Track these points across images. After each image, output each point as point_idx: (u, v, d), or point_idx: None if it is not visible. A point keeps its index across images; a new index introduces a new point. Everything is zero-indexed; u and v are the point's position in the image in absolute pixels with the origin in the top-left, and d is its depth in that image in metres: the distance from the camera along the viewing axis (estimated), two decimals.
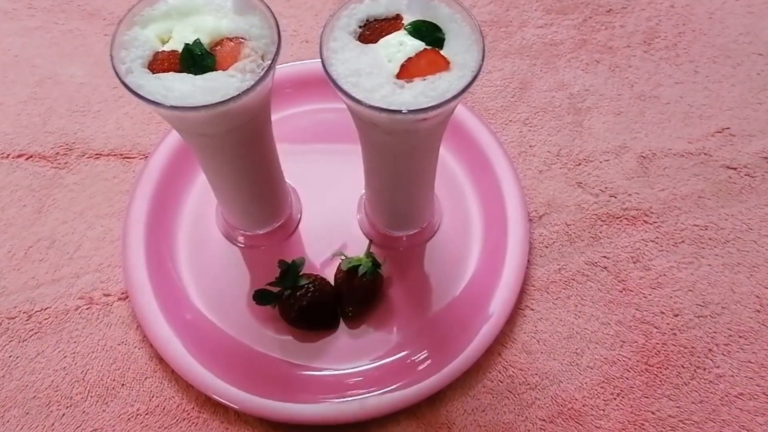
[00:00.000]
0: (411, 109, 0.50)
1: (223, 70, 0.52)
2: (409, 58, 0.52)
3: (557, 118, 0.86)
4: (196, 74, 0.52)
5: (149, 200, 0.78)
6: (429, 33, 0.54)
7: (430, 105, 0.50)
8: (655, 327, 0.73)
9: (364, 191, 0.77)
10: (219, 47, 0.53)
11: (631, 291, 0.75)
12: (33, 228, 0.78)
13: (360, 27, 0.55)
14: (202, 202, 0.79)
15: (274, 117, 0.81)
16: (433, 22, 0.54)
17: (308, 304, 0.68)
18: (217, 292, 0.74)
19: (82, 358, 0.71)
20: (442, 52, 0.53)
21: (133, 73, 0.52)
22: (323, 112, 0.85)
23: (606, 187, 0.81)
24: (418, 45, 0.53)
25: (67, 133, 0.84)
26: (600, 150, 0.84)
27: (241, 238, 0.76)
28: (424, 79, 0.52)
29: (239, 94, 0.50)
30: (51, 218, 0.79)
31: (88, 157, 0.83)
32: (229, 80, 0.51)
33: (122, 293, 0.74)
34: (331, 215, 0.79)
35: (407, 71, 0.52)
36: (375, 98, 0.51)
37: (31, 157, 0.82)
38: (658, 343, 0.72)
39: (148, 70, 0.52)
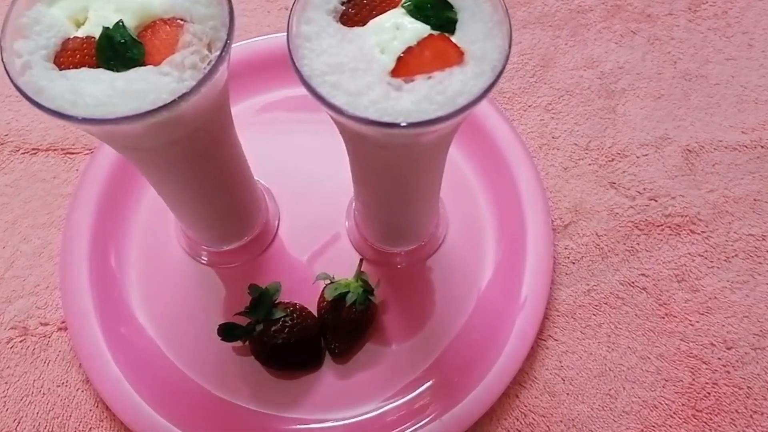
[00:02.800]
0: (411, 122, 0.36)
1: (155, 64, 0.38)
2: (409, 48, 0.39)
3: (586, 102, 0.72)
4: (117, 70, 0.38)
5: (95, 206, 0.65)
6: (436, 12, 0.40)
7: (436, 115, 0.37)
8: (704, 362, 0.61)
9: (353, 195, 0.64)
10: (149, 32, 0.39)
11: (675, 317, 0.62)
12: None
13: (343, 3, 0.40)
14: (159, 208, 0.65)
15: (241, 104, 0.68)
16: None
17: (284, 342, 0.56)
18: (176, 323, 0.62)
19: (15, 404, 0.59)
20: (453, 38, 0.39)
21: (32, 70, 0.38)
22: (302, 98, 0.70)
23: (644, 188, 0.68)
24: (421, 29, 0.39)
25: None
26: (637, 142, 0.70)
27: (205, 255, 0.63)
28: (429, 77, 0.38)
29: (175, 100, 0.36)
30: None
31: (23, 153, 0.69)
32: (162, 80, 0.37)
33: (62, 322, 0.62)
34: (313, 223, 0.66)
35: (406, 66, 0.38)
36: (362, 104, 0.37)
37: None
38: (707, 383, 0.60)
39: (54, 66, 0.38)
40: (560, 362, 0.61)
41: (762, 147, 0.70)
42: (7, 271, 0.64)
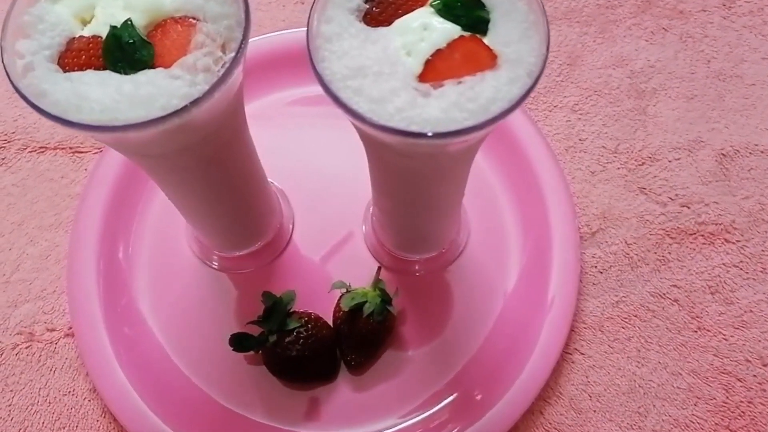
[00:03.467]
0: (439, 132, 0.34)
1: (165, 67, 0.35)
2: (438, 51, 0.36)
3: (615, 103, 0.69)
4: (125, 73, 0.35)
5: (104, 208, 0.62)
6: (467, 11, 0.37)
7: (467, 125, 0.34)
8: (739, 379, 0.58)
9: (370, 200, 0.61)
10: (159, 32, 0.36)
11: (709, 331, 0.59)
12: None
13: (366, 1, 0.38)
14: (170, 211, 0.62)
15: (255, 101, 0.65)
16: None
17: (299, 355, 0.53)
18: (186, 330, 0.59)
19: (20, 412, 0.57)
20: (485, 40, 0.36)
21: (35, 72, 0.35)
22: (318, 96, 0.68)
23: (676, 195, 0.65)
24: (451, 30, 0.36)
25: (5, 121, 0.68)
26: (669, 145, 0.67)
27: (217, 260, 0.61)
28: (460, 82, 0.35)
29: (187, 106, 0.34)
30: None
31: (30, 152, 0.67)
32: (173, 84, 0.35)
33: (70, 328, 0.60)
34: (329, 226, 0.64)
35: (435, 70, 0.35)
36: (386, 112, 0.34)
37: None
38: (742, 401, 0.57)
39: (58, 67, 0.36)
40: (587, 377, 0.58)
41: None
42: (14, 274, 0.62)
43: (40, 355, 0.59)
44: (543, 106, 0.69)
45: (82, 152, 0.67)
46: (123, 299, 0.60)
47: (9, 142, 0.67)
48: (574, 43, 0.72)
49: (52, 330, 0.60)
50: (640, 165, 0.66)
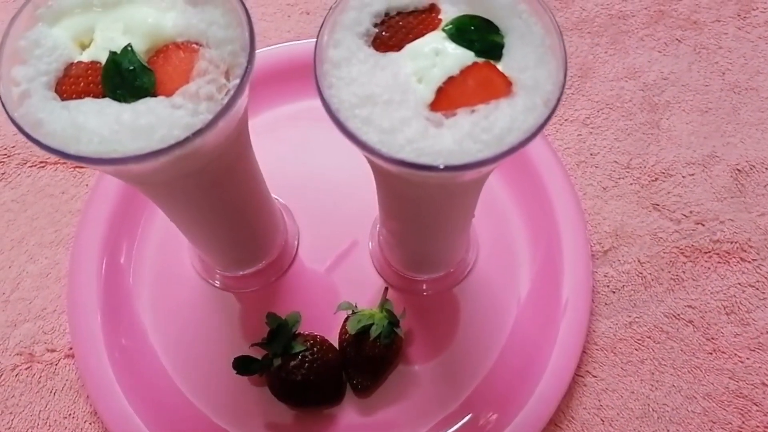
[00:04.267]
0: (452, 165, 0.32)
1: (167, 94, 0.34)
2: (451, 78, 0.34)
3: (627, 116, 0.67)
4: (124, 100, 0.34)
5: (105, 225, 0.61)
6: (480, 36, 0.35)
7: (482, 157, 0.32)
8: (755, 403, 0.56)
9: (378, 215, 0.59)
10: (161, 58, 0.35)
11: (724, 353, 0.58)
12: None
13: (375, 25, 0.36)
14: (172, 228, 0.61)
15: (258, 115, 0.64)
16: (486, 17, 0.35)
17: (304, 379, 0.52)
18: (188, 351, 0.58)
19: None
20: (499, 65, 0.35)
21: (31, 100, 0.34)
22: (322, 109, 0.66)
23: (690, 211, 0.63)
24: (463, 56, 0.35)
25: (5, 135, 0.67)
26: (683, 161, 0.65)
27: (221, 279, 0.60)
28: (473, 111, 0.34)
29: (189, 137, 0.32)
30: None
31: (30, 166, 0.65)
32: (174, 113, 0.33)
33: (70, 348, 0.58)
34: (334, 243, 0.62)
35: (447, 98, 0.34)
36: (397, 143, 0.33)
37: None
38: (758, 426, 0.56)
39: (55, 95, 0.34)
40: (599, 401, 0.57)
41: None
42: (13, 293, 0.61)
43: (40, 377, 0.58)
44: (553, 119, 0.67)
45: (83, 167, 0.65)
46: (124, 319, 0.59)
47: (9, 156, 0.66)
48: (585, 54, 0.71)
49: (53, 351, 0.59)
50: (653, 181, 0.65)
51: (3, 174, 0.65)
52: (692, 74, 0.69)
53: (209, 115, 0.33)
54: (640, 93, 0.68)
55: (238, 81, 0.34)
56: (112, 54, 0.34)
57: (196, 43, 0.35)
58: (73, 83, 0.34)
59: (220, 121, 0.33)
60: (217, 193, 0.44)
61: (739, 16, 0.72)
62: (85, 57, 0.35)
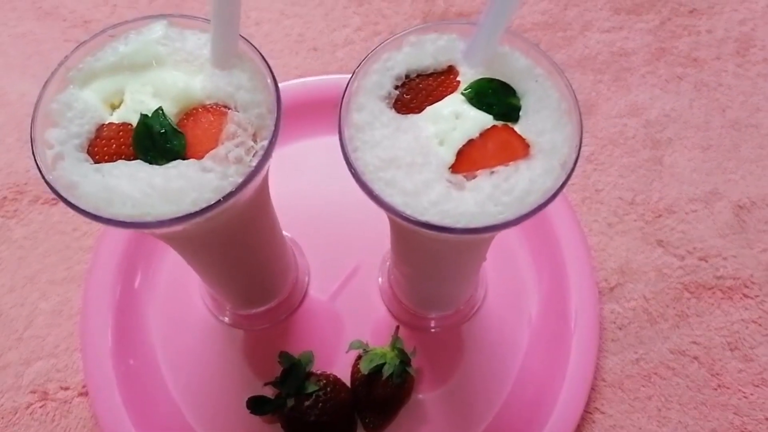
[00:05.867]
0: (471, 227, 0.33)
1: (197, 157, 0.35)
2: (471, 141, 0.35)
3: (630, 153, 0.69)
4: (156, 162, 0.35)
5: (117, 261, 0.62)
6: (498, 99, 0.36)
7: (502, 219, 0.33)
8: None
9: (389, 249, 0.60)
10: (191, 121, 0.36)
11: (728, 389, 0.59)
12: None
13: (396, 87, 0.37)
14: (183, 265, 0.62)
15: None
16: (503, 81, 0.37)
17: (317, 420, 0.53)
18: (201, 388, 0.59)
19: None
20: (517, 127, 0.36)
21: (64, 162, 0.35)
22: (333, 146, 0.68)
23: (694, 248, 0.64)
24: (483, 119, 0.36)
25: (16, 172, 0.67)
26: (685, 197, 0.67)
27: (233, 317, 0.60)
28: (493, 172, 0.35)
29: (220, 200, 0.33)
30: None
31: (42, 203, 0.66)
32: (204, 177, 0.34)
33: (83, 386, 0.59)
34: (345, 279, 0.63)
35: (468, 160, 0.35)
36: (421, 206, 0.34)
37: None
38: None
39: (88, 156, 0.35)
40: None
41: None
42: (26, 331, 0.61)
43: (54, 415, 0.58)
44: None
45: None
46: (137, 357, 0.59)
47: (21, 193, 0.66)
48: (589, 91, 0.72)
49: (66, 389, 0.59)
50: (657, 217, 0.66)
51: (15, 211, 0.66)
52: (693, 111, 0.71)
53: (239, 178, 0.34)
54: (642, 130, 0.70)
55: (266, 143, 0.35)
56: (144, 117, 0.35)
57: (225, 106, 0.36)
58: (105, 145, 0.35)
59: (249, 184, 0.34)
60: (236, 242, 0.45)
61: (738, 53, 0.74)
62: (116, 118, 0.36)
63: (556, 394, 0.57)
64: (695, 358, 0.60)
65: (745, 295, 0.62)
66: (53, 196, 0.65)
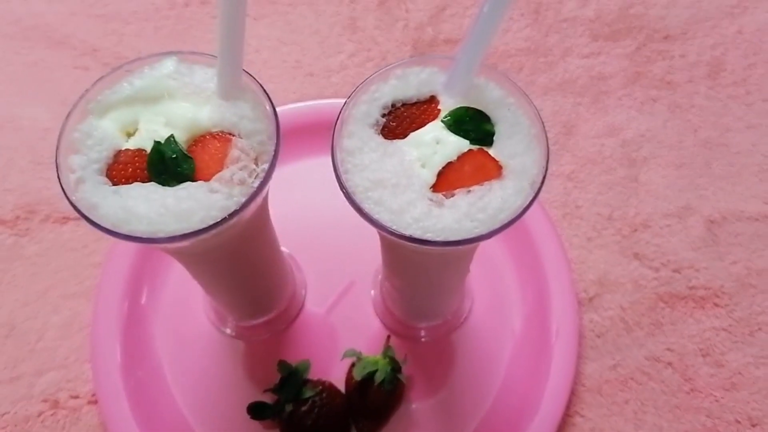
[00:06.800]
0: (451, 240, 0.37)
1: (205, 180, 0.39)
2: (449, 164, 0.40)
3: (608, 171, 0.73)
4: (168, 184, 0.39)
5: (125, 277, 0.65)
6: (475, 126, 0.41)
7: (477, 233, 0.37)
8: None
9: (380, 263, 0.64)
10: (199, 147, 0.40)
11: (701, 393, 0.63)
12: None
13: (384, 115, 0.41)
14: (187, 280, 0.65)
15: None
16: (479, 109, 0.41)
17: (314, 424, 0.56)
18: (205, 396, 0.62)
19: None
20: (491, 151, 0.40)
21: (86, 185, 0.39)
22: (328, 166, 0.72)
23: (668, 260, 0.68)
24: (460, 144, 0.40)
25: (28, 192, 0.71)
26: (660, 212, 0.71)
27: (234, 328, 0.64)
28: (469, 192, 0.39)
29: (225, 218, 0.37)
30: (8, 299, 0.66)
31: (53, 222, 0.70)
32: (211, 197, 0.38)
33: (93, 395, 0.62)
34: (339, 292, 0.67)
35: (447, 181, 0.39)
36: (405, 222, 0.38)
37: None
38: None
39: (107, 179, 0.39)
40: None
41: None
42: (38, 343, 0.65)
43: (64, 423, 0.62)
44: None
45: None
46: (144, 367, 0.63)
47: (33, 212, 0.70)
48: (569, 113, 0.76)
49: (76, 397, 0.63)
50: (633, 231, 0.70)
51: (27, 230, 0.70)
52: (667, 131, 0.75)
53: (242, 198, 0.38)
54: (619, 149, 0.74)
55: (266, 166, 0.39)
56: (157, 143, 0.39)
57: (230, 133, 0.40)
58: (122, 169, 0.39)
59: (252, 203, 0.38)
60: (238, 257, 0.49)
61: (709, 77, 0.79)
62: (131, 145, 0.40)
63: (539, 399, 0.61)
64: (669, 363, 0.64)
65: (716, 305, 0.66)
66: (63, 215, 0.70)
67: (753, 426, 0.62)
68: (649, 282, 0.68)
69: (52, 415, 0.62)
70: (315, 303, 0.66)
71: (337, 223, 0.68)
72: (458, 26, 0.81)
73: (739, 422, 0.62)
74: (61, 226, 0.70)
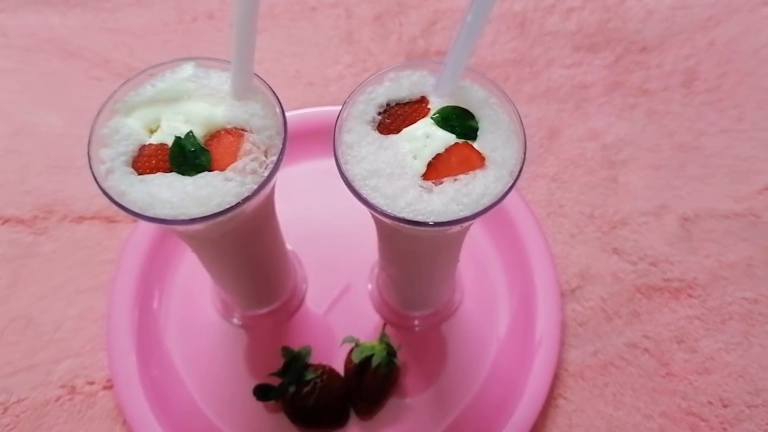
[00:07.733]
0: (439, 221, 0.42)
1: (220, 170, 0.44)
2: (438, 155, 0.44)
3: (590, 172, 0.78)
4: (187, 174, 0.43)
5: (137, 272, 0.70)
6: (461, 122, 0.45)
7: (463, 215, 0.42)
8: (703, 419, 0.65)
9: (377, 258, 0.69)
10: (215, 141, 0.45)
11: (676, 377, 0.67)
12: (7, 305, 0.70)
13: (379, 113, 0.46)
14: (196, 274, 0.70)
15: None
16: (465, 107, 0.46)
17: (315, 404, 0.61)
18: (212, 381, 0.66)
19: None
20: (475, 144, 0.45)
21: (115, 174, 0.43)
22: (329, 169, 0.76)
23: (645, 255, 0.73)
24: (447, 138, 0.45)
25: (46, 194, 0.76)
26: (638, 211, 0.76)
27: (241, 318, 0.68)
28: (455, 180, 0.44)
29: (239, 203, 0.42)
30: (27, 293, 0.70)
31: (69, 221, 0.74)
32: (226, 185, 0.43)
33: (107, 381, 0.67)
34: (338, 286, 0.71)
35: (435, 170, 0.44)
36: (398, 206, 0.43)
37: (7, 221, 0.74)
38: None
39: (133, 170, 0.44)
40: (570, 420, 0.65)
41: (753, 215, 0.76)
42: (56, 333, 0.69)
43: (81, 406, 0.66)
44: (526, 175, 0.78)
45: (116, 221, 0.74)
46: (156, 355, 0.67)
47: (50, 212, 0.75)
48: (553, 118, 0.82)
49: (92, 383, 0.67)
50: (612, 228, 0.75)
51: (45, 228, 0.74)
52: (645, 135, 0.81)
53: (254, 186, 0.43)
54: (600, 152, 0.79)
55: (275, 158, 0.44)
56: (177, 138, 0.44)
57: (242, 129, 0.45)
58: (147, 161, 0.44)
59: (262, 191, 0.43)
60: (247, 247, 0.54)
61: (684, 85, 0.84)
62: (154, 140, 0.45)
63: (525, 383, 0.65)
64: (646, 350, 0.69)
65: (689, 295, 0.71)
66: (79, 215, 0.75)
67: (724, 407, 0.66)
68: (627, 275, 0.72)
69: (69, 399, 0.66)
70: (315, 298, 0.71)
71: (336, 224, 0.73)
72: (448, 39, 0.87)
73: (711, 403, 0.66)
74: (76, 225, 0.74)
